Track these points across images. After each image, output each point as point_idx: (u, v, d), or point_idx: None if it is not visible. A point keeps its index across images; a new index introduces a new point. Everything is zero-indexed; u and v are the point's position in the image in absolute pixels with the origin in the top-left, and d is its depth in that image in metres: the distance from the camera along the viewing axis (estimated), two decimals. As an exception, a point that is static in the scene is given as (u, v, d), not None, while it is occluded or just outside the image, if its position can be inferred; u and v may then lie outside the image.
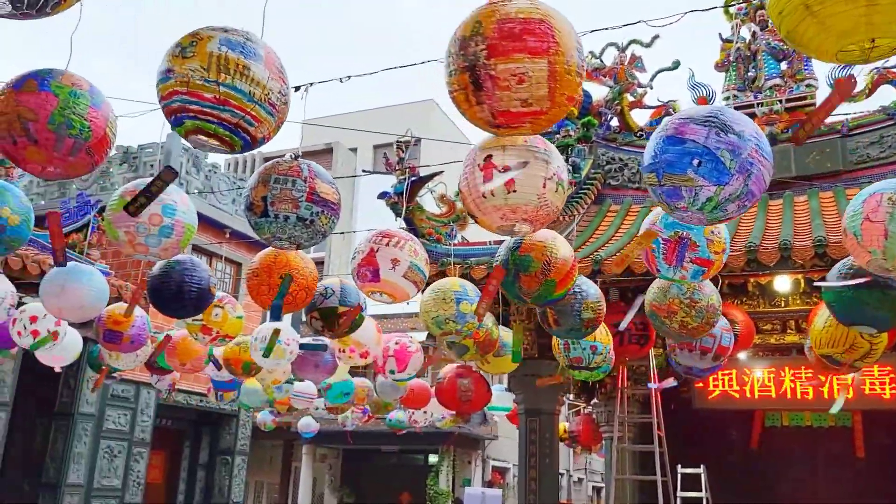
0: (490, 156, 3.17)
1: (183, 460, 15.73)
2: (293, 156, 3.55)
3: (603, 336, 5.45)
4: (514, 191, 3.15)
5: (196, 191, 14.43)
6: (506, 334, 6.23)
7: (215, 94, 2.76)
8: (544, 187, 3.21)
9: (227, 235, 14.19)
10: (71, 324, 6.35)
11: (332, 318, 5.16)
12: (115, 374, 7.75)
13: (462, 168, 3.28)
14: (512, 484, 24.55)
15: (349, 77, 3.67)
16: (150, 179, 3.39)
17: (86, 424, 11.83)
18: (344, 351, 6.17)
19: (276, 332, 6.07)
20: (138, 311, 5.94)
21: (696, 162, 2.82)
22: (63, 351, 6.71)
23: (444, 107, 31.59)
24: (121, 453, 12.57)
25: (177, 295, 4.82)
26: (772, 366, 8.34)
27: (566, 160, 8.62)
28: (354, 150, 28.96)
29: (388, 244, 4.25)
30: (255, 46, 2.86)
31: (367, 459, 23.43)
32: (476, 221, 3.47)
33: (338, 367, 6.74)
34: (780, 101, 8.59)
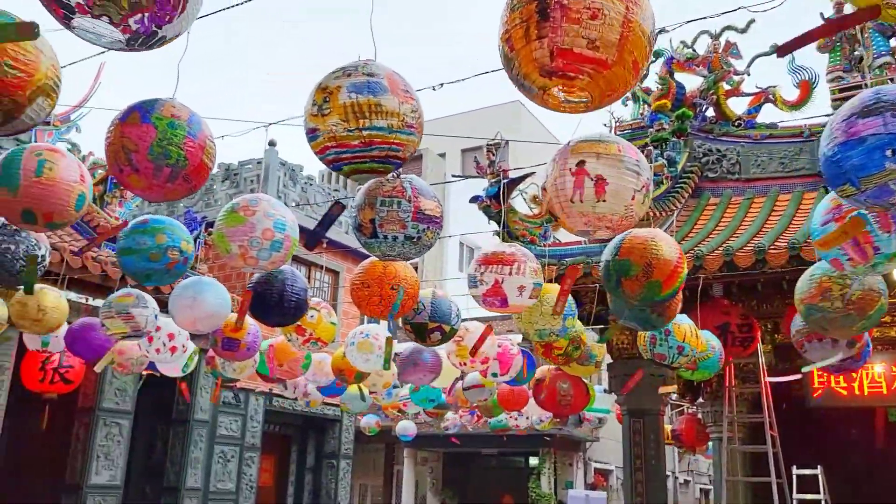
0: (583, 161, 3.15)
1: (291, 464, 16.26)
2: (395, 174, 3.64)
3: (691, 338, 5.29)
4: (604, 200, 3.16)
5: (293, 203, 14.91)
6: (591, 345, 6.18)
7: (360, 140, 3.04)
8: (633, 199, 3.22)
9: (325, 245, 14.56)
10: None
11: (423, 332, 5.36)
12: (230, 384, 8.11)
13: (549, 167, 3.29)
14: (616, 486, 24.11)
15: (442, 84, 3.72)
16: (324, 216, 3.84)
17: (201, 430, 12.42)
18: (465, 363, 6.26)
19: (390, 340, 6.20)
20: (250, 319, 6.21)
21: (889, 152, 2.64)
22: (182, 361, 7.11)
23: (532, 108, 31.43)
24: (233, 458, 13.11)
25: (278, 304, 5.02)
26: (882, 361, 7.87)
27: (661, 154, 8.42)
28: (443, 155, 29.20)
29: (510, 273, 4.35)
30: (379, 79, 3.05)
31: (467, 462, 23.54)
32: (557, 220, 3.47)
33: (441, 367, 6.81)
34: (891, 80, 8.10)
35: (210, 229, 12.45)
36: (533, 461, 22.05)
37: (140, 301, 5.60)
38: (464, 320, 5.92)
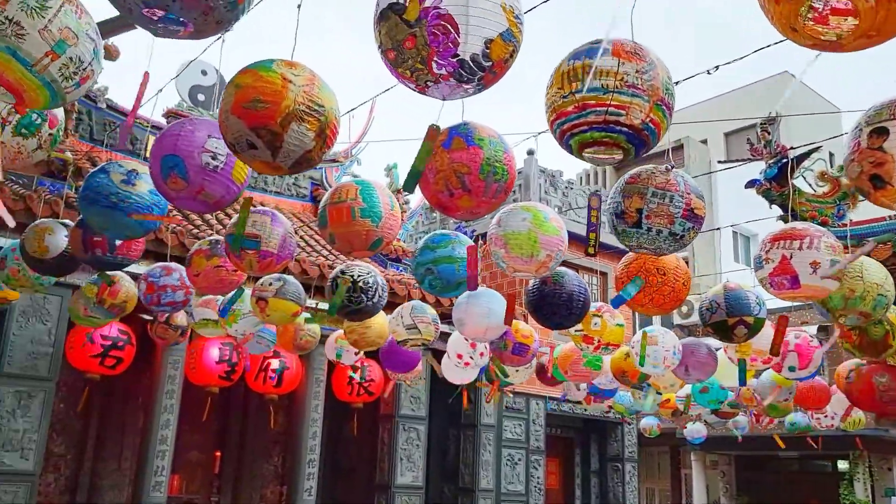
0: None
1: (575, 467, 16.35)
2: (668, 166, 3.54)
3: None
4: None
5: (556, 208, 15.06)
6: None
7: (574, 104, 2.88)
8: None
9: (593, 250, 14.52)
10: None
11: (726, 330, 5.09)
12: (506, 388, 8.40)
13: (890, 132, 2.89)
14: (950, 495, 20.84)
15: (717, 67, 3.45)
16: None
17: (488, 434, 12.99)
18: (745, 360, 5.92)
19: (645, 335, 6.02)
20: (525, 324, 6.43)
21: None
22: (467, 372, 7.52)
23: (806, 77, 28.65)
24: (520, 461, 13.52)
25: (567, 304, 5.06)
26: None
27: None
28: (705, 141, 27.65)
29: (800, 247, 3.95)
30: (601, 45, 2.90)
31: (763, 466, 21.88)
32: (876, 193, 3.00)
33: (716, 364, 6.45)
34: None
35: (482, 241, 12.95)
36: (842, 465, 19.87)
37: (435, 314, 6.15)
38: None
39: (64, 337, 8.67)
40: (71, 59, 2.97)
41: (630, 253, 4.77)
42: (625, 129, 2.88)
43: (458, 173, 3.39)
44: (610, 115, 2.84)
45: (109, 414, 10.72)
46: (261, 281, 5.90)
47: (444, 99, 2.94)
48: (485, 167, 3.39)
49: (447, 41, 2.69)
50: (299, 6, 3.33)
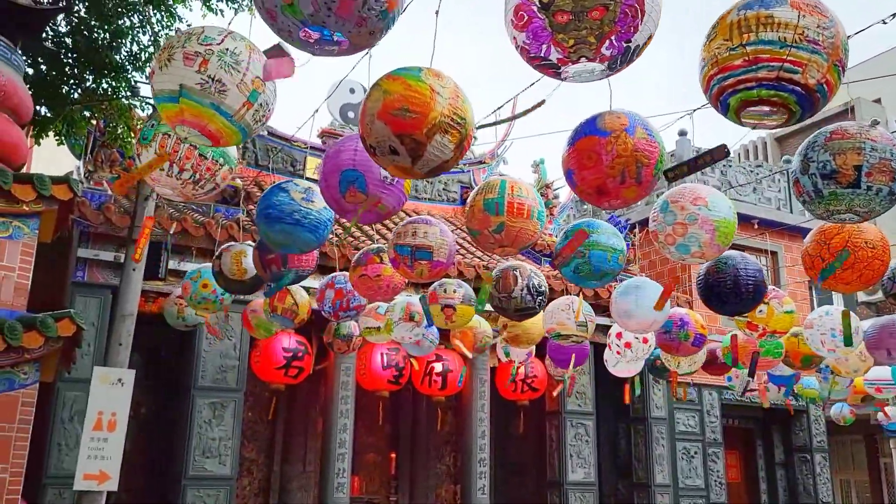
0: None
1: (758, 459, 15.45)
2: (874, 121, 3.27)
3: None
4: None
5: (714, 188, 14.34)
6: None
7: (744, 57, 2.64)
8: None
9: (756, 226, 13.68)
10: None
11: None
12: (686, 378, 8.13)
13: None
14: None
15: (893, 16, 3.06)
16: (701, 153, 3.47)
17: (660, 427, 12.56)
18: None
19: (846, 313, 5.55)
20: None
21: None
22: (633, 364, 7.33)
23: None
24: (697, 454, 12.96)
25: (733, 291, 4.82)
26: None
27: None
28: (878, 100, 25.25)
29: None
30: None
31: (978, 453, 19.65)
32: None
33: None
34: None
35: (636, 230, 12.56)
36: None
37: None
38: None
39: (248, 350, 9.36)
40: (261, 104, 3.25)
41: (824, 224, 4.33)
42: (797, 87, 2.65)
43: (639, 163, 3.28)
44: (784, 70, 2.61)
45: (293, 420, 11.44)
46: (441, 289, 6.02)
47: (563, 80, 2.86)
48: (660, 163, 3.33)
49: (631, 24, 2.59)
50: (437, 12, 3.35)
